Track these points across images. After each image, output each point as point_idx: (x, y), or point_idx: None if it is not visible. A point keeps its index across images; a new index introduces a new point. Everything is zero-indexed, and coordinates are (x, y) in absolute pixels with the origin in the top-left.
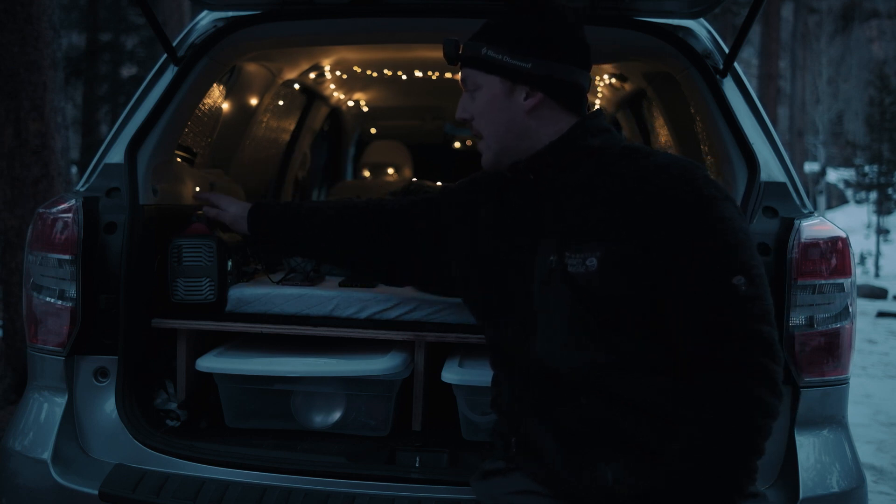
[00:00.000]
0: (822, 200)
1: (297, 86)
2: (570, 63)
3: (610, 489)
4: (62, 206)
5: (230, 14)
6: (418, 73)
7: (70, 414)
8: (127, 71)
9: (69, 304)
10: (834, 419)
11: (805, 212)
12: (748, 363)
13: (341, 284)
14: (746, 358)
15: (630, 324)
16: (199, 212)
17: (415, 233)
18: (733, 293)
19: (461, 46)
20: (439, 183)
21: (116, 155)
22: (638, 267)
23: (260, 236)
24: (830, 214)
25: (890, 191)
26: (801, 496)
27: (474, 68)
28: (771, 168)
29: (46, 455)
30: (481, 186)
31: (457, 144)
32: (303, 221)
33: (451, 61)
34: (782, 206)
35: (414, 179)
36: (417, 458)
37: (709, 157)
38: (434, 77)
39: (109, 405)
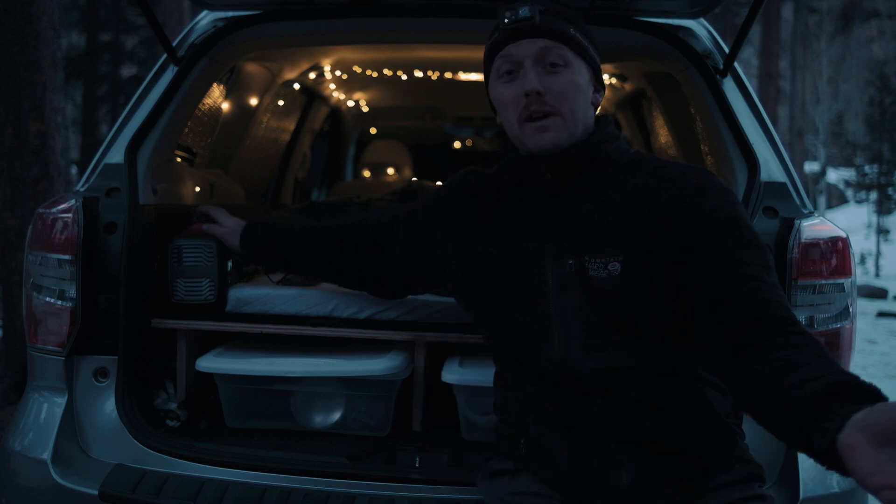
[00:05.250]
0: (822, 200)
1: (297, 86)
2: None
3: (624, 490)
4: (62, 206)
5: (230, 14)
6: (418, 73)
7: (70, 414)
8: (127, 71)
9: (69, 304)
10: None
11: (805, 212)
12: (796, 323)
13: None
14: (793, 320)
15: (650, 327)
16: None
17: (400, 248)
18: (763, 278)
19: (539, 15)
20: (439, 183)
21: (116, 155)
22: (661, 271)
23: (250, 254)
24: (830, 214)
25: (890, 191)
26: (801, 496)
27: (566, 45)
28: (771, 168)
29: (46, 455)
30: (478, 184)
31: (457, 144)
32: (291, 244)
33: (528, 30)
34: (782, 206)
35: (414, 179)
36: (417, 458)
37: (709, 157)
38: (434, 77)
39: (109, 405)
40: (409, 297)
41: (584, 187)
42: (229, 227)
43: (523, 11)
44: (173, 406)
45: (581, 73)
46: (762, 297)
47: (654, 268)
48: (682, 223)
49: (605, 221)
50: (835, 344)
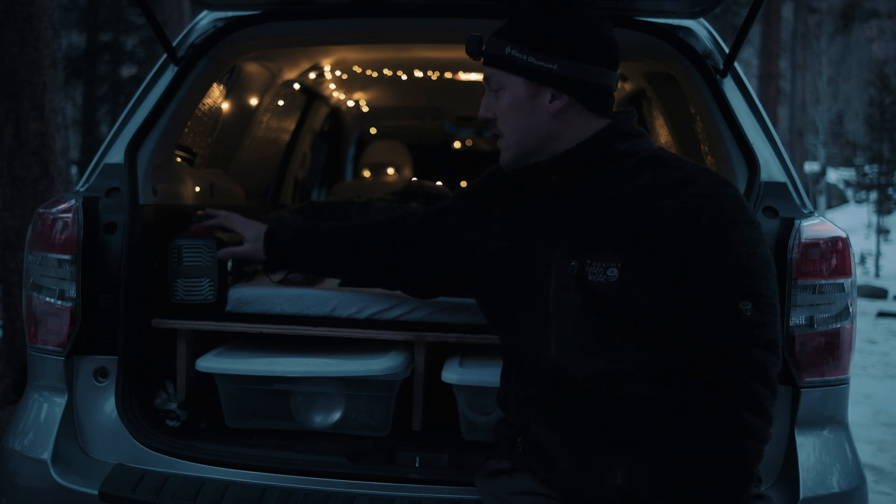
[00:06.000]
0: (822, 200)
1: (297, 86)
2: (599, 64)
3: (621, 489)
4: (62, 206)
5: (230, 14)
6: (418, 73)
7: (70, 414)
8: (127, 71)
9: (69, 304)
10: (834, 419)
11: (805, 212)
12: (737, 386)
13: (341, 285)
14: (736, 380)
15: (646, 333)
16: (200, 212)
17: (432, 243)
18: (737, 317)
19: (484, 44)
20: (439, 183)
21: (116, 155)
22: (656, 280)
23: (279, 263)
24: (830, 214)
25: (890, 191)
26: (801, 496)
27: (498, 68)
28: (771, 168)
29: (46, 455)
30: (498, 183)
31: (457, 144)
32: (321, 246)
33: (474, 58)
34: (782, 206)
35: (414, 179)
36: (417, 458)
37: (709, 157)
38: (434, 77)
39: (109, 405)
40: (410, 297)
41: (588, 186)
42: (249, 238)
43: (468, 43)
44: (173, 406)
45: (514, 91)
46: (707, 339)
47: (651, 271)
48: (678, 227)
49: (606, 221)
50: (835, 344)
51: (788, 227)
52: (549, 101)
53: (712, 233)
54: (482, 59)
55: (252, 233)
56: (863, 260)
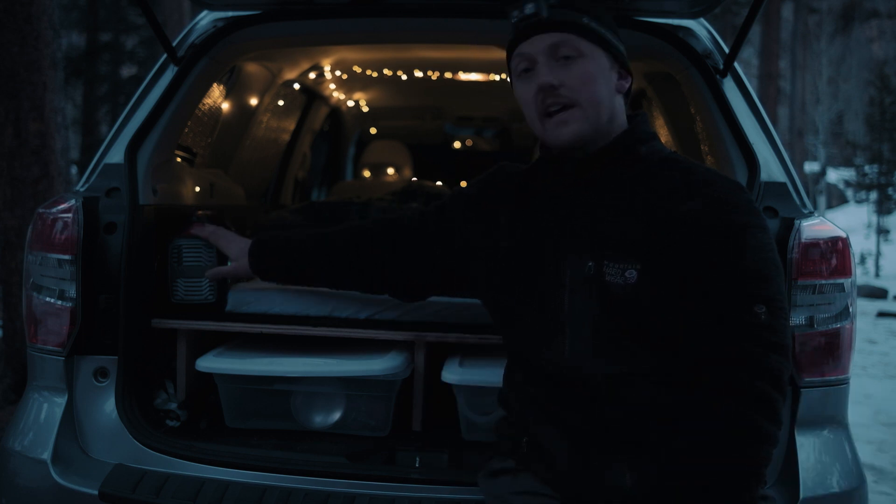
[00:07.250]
0: (822, 200)
1: (297, 86)
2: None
3: (626, 491)
4: (62, 206)
5: (230, 14)
6: (418, 73)
7: (70, 414)
8: (127, 71)
9: (69, 304)
10: (834, 419)
11: (805, 212)
12: (749, 388)
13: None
14: (748, 383)
15: (660, 335)
16: (200, 212)
17: (432, 242)
18: (751, 321)
19: (550, 9)
20: (439, 183)
21: (116, 155)
22: (671, 283)
23: (267, 277)
24: (830, 214)
25: (890, 191)
26: (801, 496)
27: (579, 35)
28: (771, 168)
29: (46, 455)
30: (499, 183)
31: (457, 144)
32: (318, 249)
33: (536, 27)
34: (782, 206)
35: (414, 179)
36: (417, 458)
37: (709, 157)
38: (434, 77)
39: (109, 405)
40: None
41: (609, 188)
42: (233, 257)
43: (528, 8)
44: (173, 406)
45: (597, 61)
46: (720, 342)
47: (667, 274)
48: (694, 231)
49: (624, 223)
50: (835, 344)
51: (788, 227)
52: (618, 79)
53: (728, 237)
54: (551, 27)
55: (236, 251)
56: (863, 260)
